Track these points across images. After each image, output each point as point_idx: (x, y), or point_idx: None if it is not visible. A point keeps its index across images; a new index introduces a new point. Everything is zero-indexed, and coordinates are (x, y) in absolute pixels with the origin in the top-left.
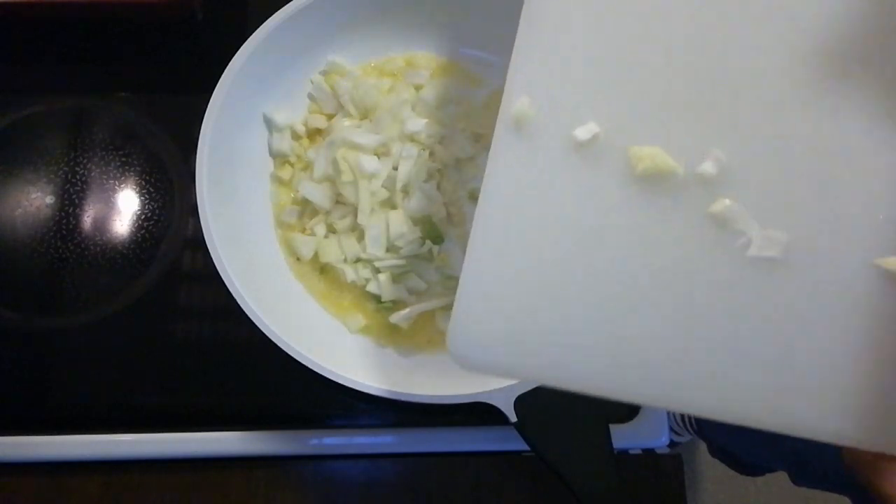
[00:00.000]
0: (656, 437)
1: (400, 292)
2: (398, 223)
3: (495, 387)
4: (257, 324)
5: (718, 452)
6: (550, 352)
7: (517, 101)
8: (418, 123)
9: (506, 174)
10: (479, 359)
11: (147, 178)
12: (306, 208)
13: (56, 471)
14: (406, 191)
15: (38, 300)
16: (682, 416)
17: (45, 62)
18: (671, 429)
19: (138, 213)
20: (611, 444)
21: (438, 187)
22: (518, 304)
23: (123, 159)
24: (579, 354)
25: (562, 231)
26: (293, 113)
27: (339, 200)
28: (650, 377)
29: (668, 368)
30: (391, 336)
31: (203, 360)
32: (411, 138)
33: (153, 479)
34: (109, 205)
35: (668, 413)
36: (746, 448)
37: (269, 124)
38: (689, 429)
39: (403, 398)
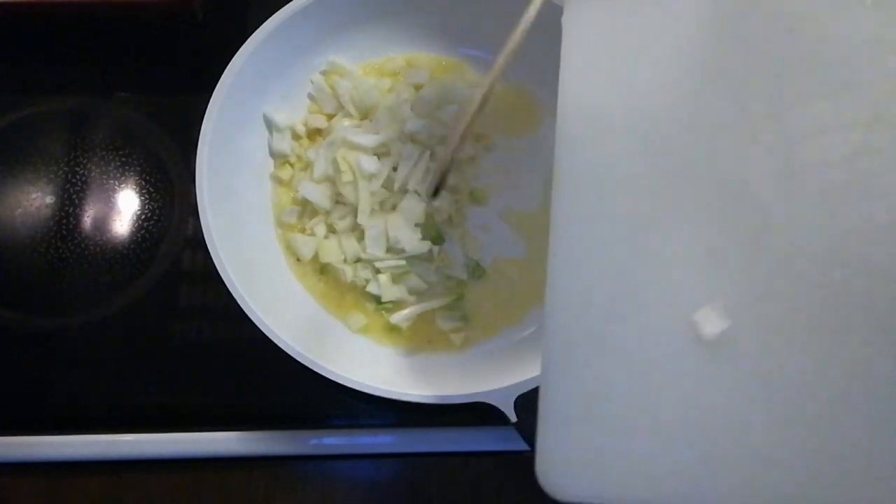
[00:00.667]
0: None
1: (400, 293)
2: (398, 224)
3: (495, 387)
4: (257, 324)
5: None
6: (649, 477)
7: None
8: (418, 123)
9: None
10: (574, 490)
11: (147, 178)
12: (306, 208)
13: (56, 471)
14: (406, 191)
15: (38, 300)
16: None
17: (45, 62)
18: None
19: (138, 213)
20: None
21: None
22: (609, 425)
23: (123, 159)
24: (679, 476)
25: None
26: (293, 113)
27: (339, 200)
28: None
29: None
30: (391, 336)
31: (203, 360)
32: (411, 138)
33: (153, 479)
34: (109, 205)
35: None
36: None
37: (269, 124)
38: None
39: (403, 398)
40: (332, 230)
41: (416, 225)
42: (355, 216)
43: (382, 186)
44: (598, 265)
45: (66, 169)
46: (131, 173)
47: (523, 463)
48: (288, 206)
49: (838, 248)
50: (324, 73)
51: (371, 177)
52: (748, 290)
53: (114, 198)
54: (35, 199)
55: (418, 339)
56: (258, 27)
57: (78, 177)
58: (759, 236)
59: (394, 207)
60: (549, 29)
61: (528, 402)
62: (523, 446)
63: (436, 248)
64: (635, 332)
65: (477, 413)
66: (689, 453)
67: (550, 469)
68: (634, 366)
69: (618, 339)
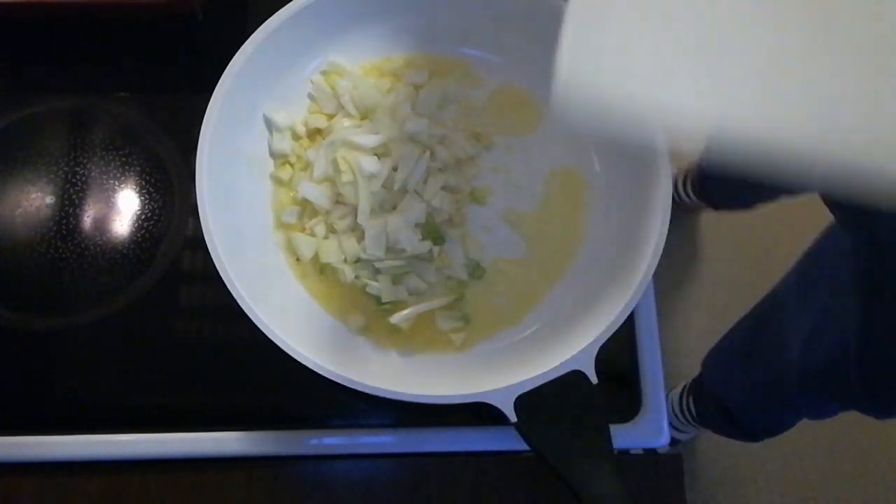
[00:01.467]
0: (656, 437)
1: (400, 293)
2: (398, 224)
3: (495, 387)
4: (257, 324)
5: (718, 417)
6: (679, 74)
7: None
8: (418, 123)
9: None
10: (593, 85)
11: (147, 178)
12: (306, 208)
13: (56, 471)
14: (406, 191)
15: (38, 300)
16: (682, 409)
17: (45, 62)
18: (671, 424)
19: (138, 213)
20: (611, 444)
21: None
22: (628, 36)
23: (123, 159)
24: (693, 87)
25: None
26: (293, 113)
27: (339, 200)
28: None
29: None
30: (391, 336)
31: (203, 360)
32: (411, 138)
33: (153, 479)
34: (109, 205)
35: (669, 407)
36: (745, 399)
37: (269, 124)
38: (690, 421)
39: (403, 398)
40: (332, 230)
41: (416, 225)
42: (355, 216)
43: (382, 186)
44: None
45: (66, 169)
46: (131, 173)
47: (523, 463)
48: (288, 206)
49: None
50: (324, 73)
51: (371, 177)
52: None
53: (114, 198)
54: (35, 199)
55: (418, 340)
56: (258, 27)
57: (78, 177)
58: None
59: (394, 207)
60: (548, 30)
61: (528, 402)
62: (523, 446)
63: (436, 248)
64: None
65: (477, 413)
66: (707, 67)
67: (573, 69)
68: None
69: None
